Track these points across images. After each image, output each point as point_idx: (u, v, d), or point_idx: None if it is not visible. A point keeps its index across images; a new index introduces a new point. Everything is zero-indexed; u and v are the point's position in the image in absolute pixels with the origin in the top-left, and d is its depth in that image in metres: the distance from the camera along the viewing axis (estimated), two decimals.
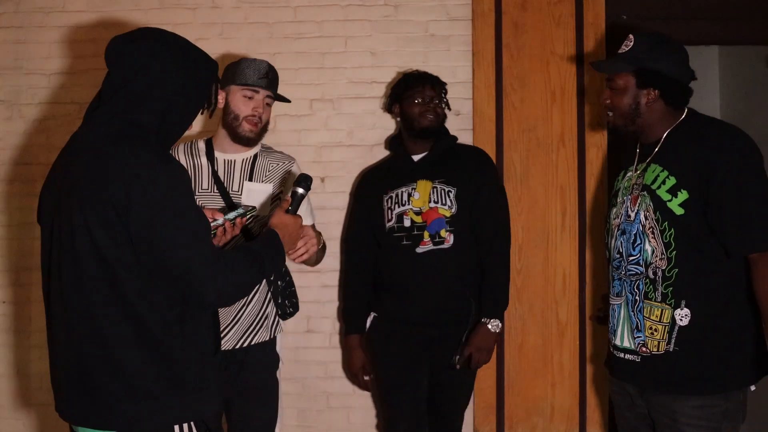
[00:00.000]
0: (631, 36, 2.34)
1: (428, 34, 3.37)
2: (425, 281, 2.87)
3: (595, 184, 3.30)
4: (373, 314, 3.01)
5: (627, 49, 2.32)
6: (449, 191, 2.92)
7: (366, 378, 3.03)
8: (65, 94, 3.38)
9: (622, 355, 2.34)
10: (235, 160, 2.68)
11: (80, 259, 1.69)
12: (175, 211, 1.68)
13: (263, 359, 2.65)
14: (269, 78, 2.65)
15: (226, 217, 2.09)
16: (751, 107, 3.91)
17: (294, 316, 2.78)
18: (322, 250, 2.66)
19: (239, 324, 2.59)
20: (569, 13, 3.31)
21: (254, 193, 2.64)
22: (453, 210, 2.91)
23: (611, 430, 3.32)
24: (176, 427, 1.74)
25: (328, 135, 3.38)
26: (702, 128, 2.29)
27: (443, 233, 2.88)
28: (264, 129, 2.70)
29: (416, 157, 3.00)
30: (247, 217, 2.15)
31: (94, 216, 1.67)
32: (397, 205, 2.95)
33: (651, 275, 2.26)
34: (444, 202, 2.91)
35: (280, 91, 2.72)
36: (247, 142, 2.67)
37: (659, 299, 2.24)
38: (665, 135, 2.32)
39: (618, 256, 2.35)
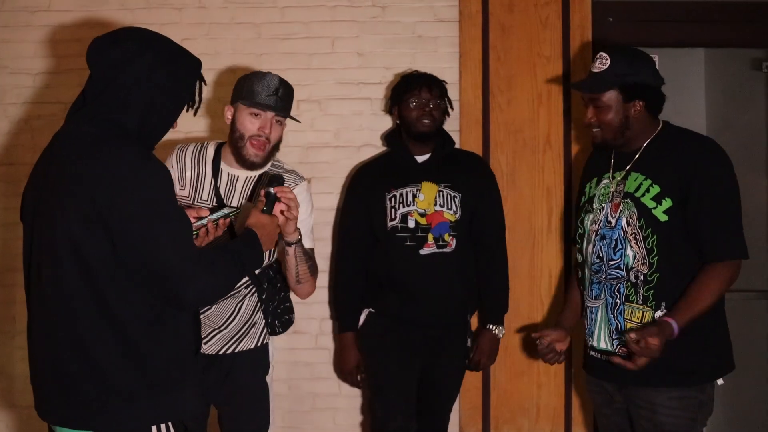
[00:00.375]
0: (603, 54, 2.40)
1: (415, 36, 3.37)
2: (428, 283, 2.89)
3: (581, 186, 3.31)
4: (368, 310, 3.01)
5: (606, 66, 2.38)
6: (455, 196, 2.95)
7: (359, 378, 3.03)
8: (51, 93, 3.37)
9: (599, 356, 2.44)
10: (238, 177, 2.55)
11: (59, 259, 1.69)
12: (155, 212, 1.68)
13: (251, 365, 2.61)
14: (279, 95, 2.45)
15: (210, 217, 2.09)
16: (737, 109, 3.93)
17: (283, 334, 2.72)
18: (314, 271, 2.59)
19: (227, 330, 2.55)
20: (556, 16, 3.32)
21: None
22: (457, 215, 2.93)
23: (596, 431, 3.34)
24: (153, 428, 1.74)
25: (314, 136, 3.37)
26: (680, 139, 2.42)
27: (447, 237, 2.91)
28: (274, 149, 2.52)
29: (420, 158, 3.00)
30: (231, 218, 2.15)
31: (74, 216, 1.67)
32: (401, 205, 2.94)
33: (632, 279, 2.36)
34: (450, 206, 2.93)
35: None
36: (251, 166, 2.49)
37: (640, 302, 2.35)
38: (645, 144, 2.42)
39: (598, 260, 2.43)
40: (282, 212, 2.24)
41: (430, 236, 2.91)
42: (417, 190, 2.94)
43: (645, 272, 2.34)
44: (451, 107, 3.05)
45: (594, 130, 2.44)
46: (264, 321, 2.61)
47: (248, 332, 2.58)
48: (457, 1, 3.34)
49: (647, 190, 2.35)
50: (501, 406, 3.31)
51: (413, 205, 2.93)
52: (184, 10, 3.38)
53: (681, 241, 2.33)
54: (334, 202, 3.35)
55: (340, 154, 3.37)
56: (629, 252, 2.36)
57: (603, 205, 2.45)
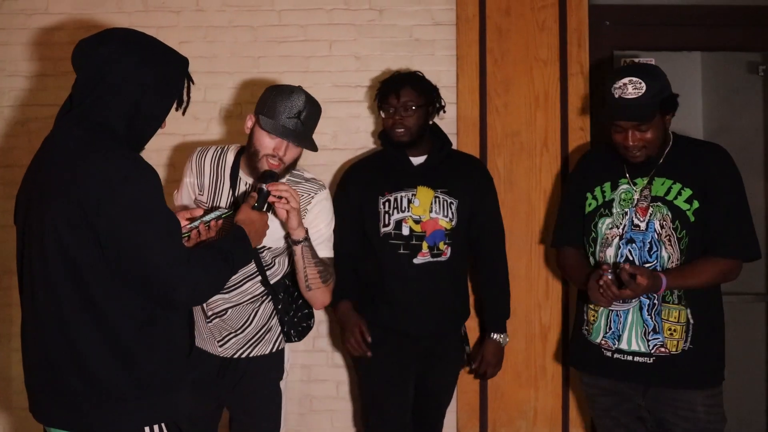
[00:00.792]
0: (634, 78, 2.40)
1: (413, 39, 3.38)
2: (421, 293, 2.82)
3: None
4: None
5: (643, 91, 2.39)
6: (451, 203, 2.86)
7: (369, 339, 2.83)
8: (48, 96, 3.36)
9: (630, 357, 2.51)
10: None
11: (49, 262, 1.70)
12: (143, 213, 1.68)
13: (265, 370, 2.57)
14: (300, 119, 2.31)
15: (202, 219, 2.08)
16: (733, 113, 3.94)
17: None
18: (326, 279, 2.48)
19: (243, 335, 2.52)
20: (553, 19, 3.33)
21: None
22: (453, 223, 2.85)
23: None
24: (146, 429, 1.74)
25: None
26: (693, 145, 2.56)
27: (441, 245, 2.84)
28: (290, 167, 2.40)
29: (416, 161, 2.89)
30: (223, 220, 2.14)
31: (63, 218, 1.67)
32: (396, 211, 2.85)
33: None
34: (446, 213, 2.84)
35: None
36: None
37: (676, 302, 2.46)
38: (667, 150, 2.52)
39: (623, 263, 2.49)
40: (274, 203, 2.21)
41: (425, 244, 2.83)
42: (412, 195, 2.85)
43: None
44: (441, 107, 2.94)
45: (637, 152, 2.48)
46: (279, 328, 2.57)
47: (264, 337, 2.55)
48: (454, 4, 3.35)
49: (679, 193, 2.46)
50: (498, 408, 3.31)
51: (408, 211, 2.84)
52: (181, 13, 3.38)
53: (703, 242, 2.46)
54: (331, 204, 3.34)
55: (337, 157, 3.37)
56: (664, 254, 2.45)
57: (626, 209, 2.51)
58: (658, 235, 2.46)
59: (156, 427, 1.75)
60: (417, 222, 2.84)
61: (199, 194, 2.51)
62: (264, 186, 2.20)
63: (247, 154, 2.41)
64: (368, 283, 2.91)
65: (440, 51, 3.37)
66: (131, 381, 1.72)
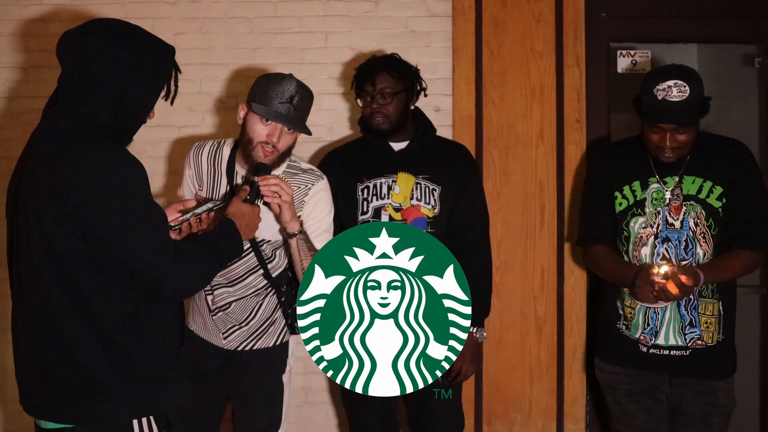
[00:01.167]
0: (679, 82, 2.40)
1: (409, 30, 3.37)
2: None
3: (574, 181, 3.32)
4: None
5: (687, 94, 2.40)
6: (434, 189, 2.72)
7: None
8: (43, 87, 3.34)
9: (666, 352, 2.59)
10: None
11: (35, 255, 1.69)
12: (128, 206, 1.67)
13: (268, 363, 2.56)
14: (293, 104, 2.30)
15: (194, 211, 2.08)
16: (729, 105, 3.93)
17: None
18: None
19: (248, 327, 2.51)
20: (549, 11, 3.32)
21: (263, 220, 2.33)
22: (436, 211, 2.71)
23: (589, 425, 3.35)
24: (135, 422, 1.75)
25: None
26: (718, 142, 2.62)
27: None
28: (285, 154, 2.39)
29: (396, 146, 2.75)
30: (215, 212, 2.14)
31: (47, 213, 1.67)
32: (374, 198, 2.73)
33: None
34: (428, 200, 2.71)
35: None
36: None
37: (710, 296, 2.56)
38: (694, 148, 2.55)
39: (663, 262, 2.52)
40: (264, 197, 2.20)
41: None
42: (392, 181, 2.71)
43: None
44: (422, 89, 2.79)
45: (670, 154, 2.49)
46: (284, 321, 2.56)
47: (268, 330, 2.54)
48: None
49: (710, 191, 2.54)
50: (493, 400, 3.32)
51: (388, 198, 2.70)
52: (176, 4, 3.37)
53: (725, 236, 2.55)
54: None
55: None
56: (699, 251, 2.54)
57: (659, 209, 2.56)
58: (693, 232, 2.53)
59: (144, 420, 1.75)
60: (397, 210, 2.71)
61: (199, 189, 2.51)
62: (256, 179, 2.19)
63: (241, 144, 2.39)
64: None
65: (436, 42, 3.36)
66: (120, 374, 1.72)
